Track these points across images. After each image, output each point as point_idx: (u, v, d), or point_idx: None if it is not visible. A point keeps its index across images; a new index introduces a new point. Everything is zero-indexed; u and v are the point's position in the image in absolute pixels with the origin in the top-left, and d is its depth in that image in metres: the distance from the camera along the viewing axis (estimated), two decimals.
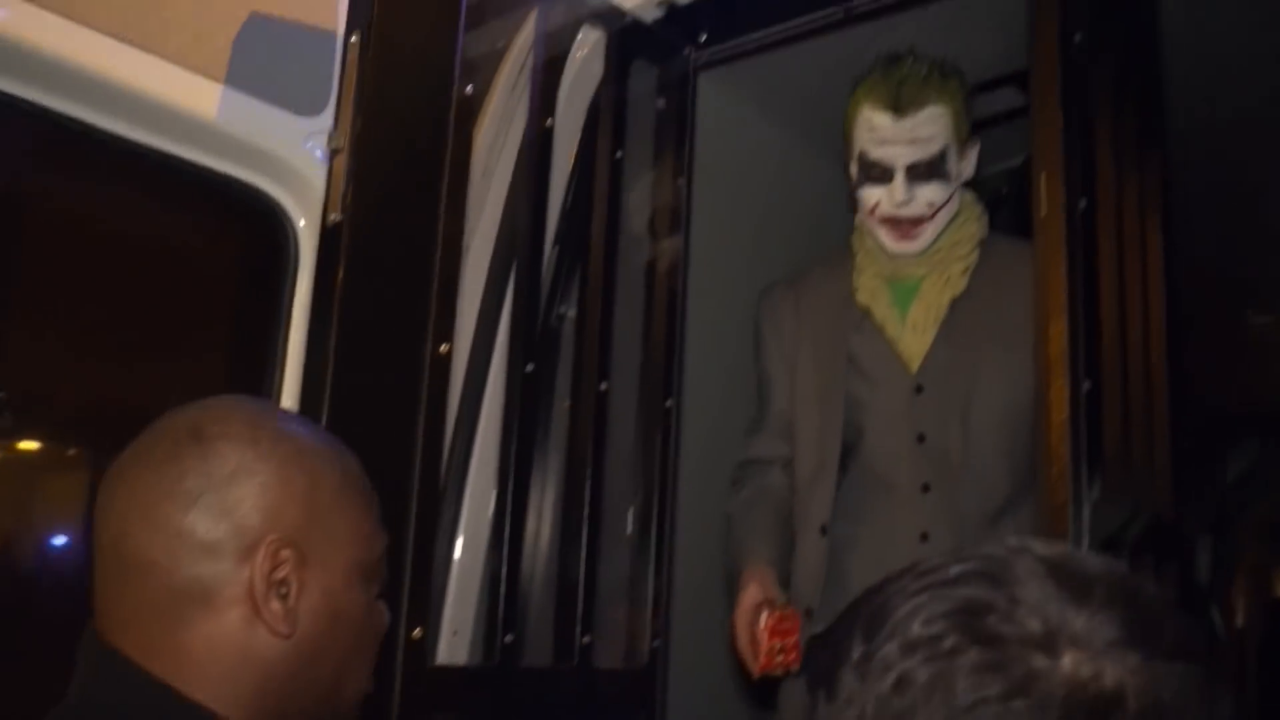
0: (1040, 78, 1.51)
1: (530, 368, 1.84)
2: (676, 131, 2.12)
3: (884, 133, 1.82)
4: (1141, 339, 1.57)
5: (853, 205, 1.97)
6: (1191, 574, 1.80)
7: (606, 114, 2.00)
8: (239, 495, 0.89)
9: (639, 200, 2.07)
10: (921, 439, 1.85)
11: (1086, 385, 1.41)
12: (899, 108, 1.81)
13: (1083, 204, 1.47)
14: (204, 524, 0.88)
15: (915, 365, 1.89)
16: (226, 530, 0.89)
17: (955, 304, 1.89)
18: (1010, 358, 1.82)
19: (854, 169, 1.90)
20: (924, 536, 1.82)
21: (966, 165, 1.90)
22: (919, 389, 1.89)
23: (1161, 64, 1.75)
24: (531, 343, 1.85)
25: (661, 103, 2.13)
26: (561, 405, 2.01)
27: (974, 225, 1.92)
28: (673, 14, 2.08)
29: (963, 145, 1.87)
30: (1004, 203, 3.03)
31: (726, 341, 2.42)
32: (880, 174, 1.85)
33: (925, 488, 1.84)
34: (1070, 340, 1.42)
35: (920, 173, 1.82)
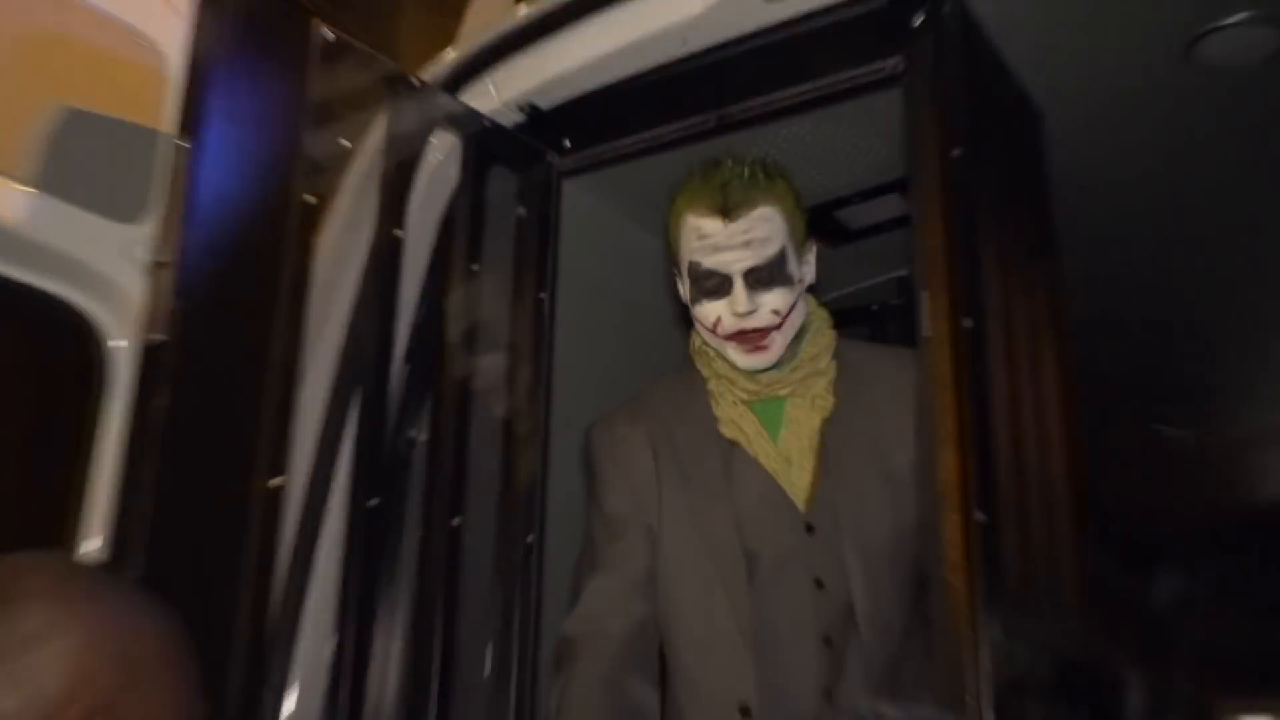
0: (921, 191, 1.53)
1: (374, 501, 1.80)
2: (539, 241, 2.12)
3: (715, 239, 1.78)
4: (1038, 463, 1.58)
5: (689, 323, 1.94)
6: (1118, 716, 1.78)
7: (462, 223, 1.97)
8: (39, 661, 0.83)
9: (497, 316, 2.05)
10: (820, 584, 1.80)
11: (980, 517, 1.39)
12: (726, 211, 1.77)
13: (968, 323, 1.47)
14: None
15: (803, 502, 1.83)
16: (21, 700, 0.80)
17: (827, 426, 1.85)
18: (892, 486, 1.80)
19: (687, 285, 1.86)
20: (827, 694, 1.76)
21: (807, 269, 1.87)
22: (809, 528, 1.82)
23: (1045, 173, 1.81)
24: (376, 473, 1.81)
25: (522, 211, 2.13)
26: (410, 541, 1.99)
27: (827, 334, 1.90)
28: (535, 119, 2.08)
29: (800, 247, 1.84)
30: (892, 314, 3.10)
31: None
32: (717, 285, 1.80)
33: (827, 640, 1.78)
34: (961, 470, 1.41)
35: (761, 278, 1.78)
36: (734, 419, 1.88)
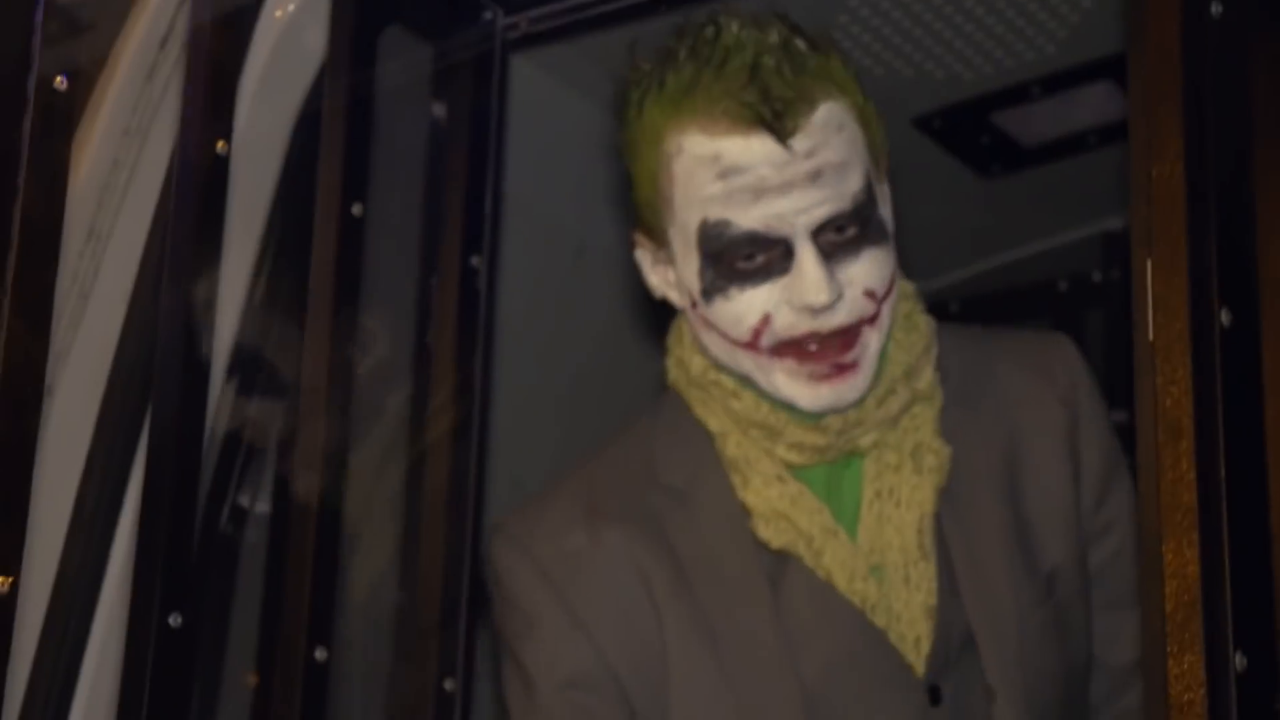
0: (1148, 81, 1.49)
1: (176, 618, 1.83)
2: (469, 163, 2.13)
3: (758, 171, 1.70)
4: None
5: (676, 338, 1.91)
6: None
7: (333, 131, 1.99)
8: None
9: (397, 296, 2.08)
10: None
11: (1240, 662, 1.38)
12: (776, 117, 1.69)
13: (1226, 319, 1.44)
14: None
15: (922, 654, 1.80)
16: None
17: (945, 501, 1.82)
18: (1048, 601, 1.81)
19: (692, 265, 1.77)
20: None
21: (888, 205, 1.82)
22: (934, 697, 1.80)
23: None
24: (179, 571, 1.85)
25: (441, 109, 2.15)
26: (239, 685, 2.09)
27: (920, 324, 1.86)
28: None
29: (881, 162, 1.81)
30: (1089, 296, 3.11)
31: None
32: (760, 264, 1.72)
33: None
34: (1204, 579, 1.38)
35: (845, 235, 1.72)
36: (782, 509, 1.82)
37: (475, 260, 2.10)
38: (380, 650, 2.06)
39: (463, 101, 2.15)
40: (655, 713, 1.84)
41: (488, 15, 2.16)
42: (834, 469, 1.82)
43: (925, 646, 1.78)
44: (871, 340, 1.74)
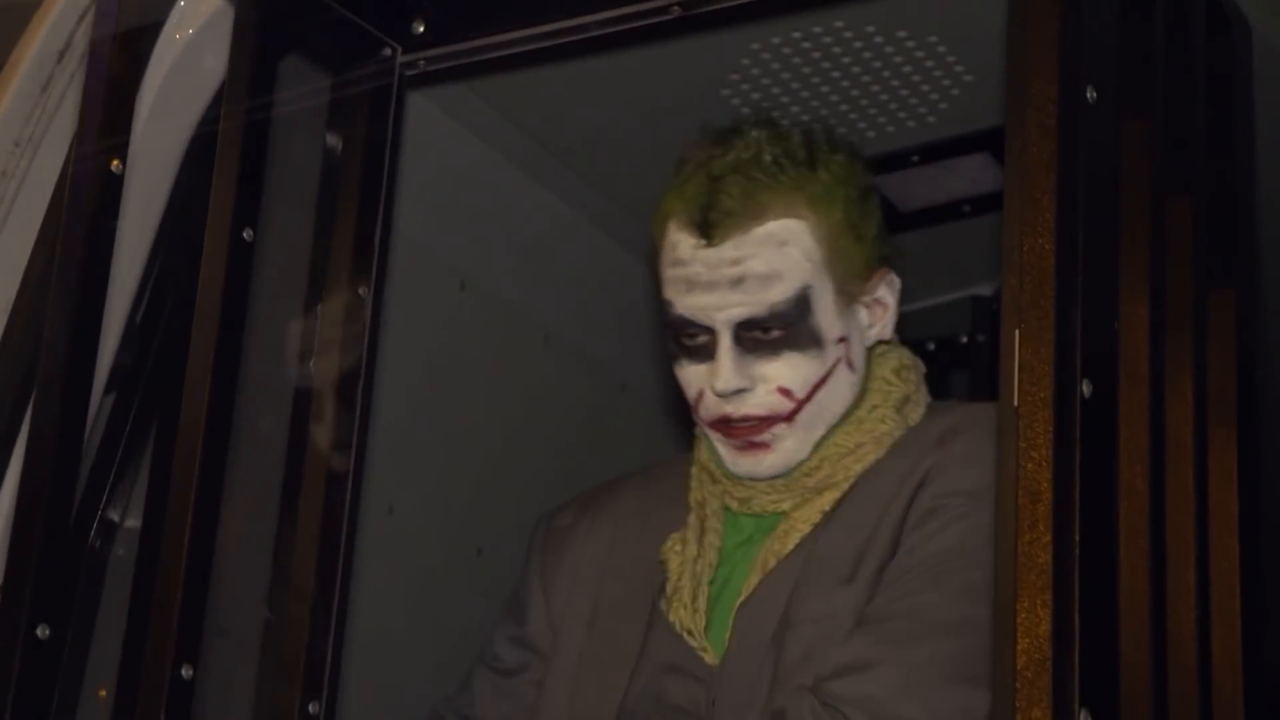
0: (1026, 156, 1.50)
1: (43, 631, 1.81)
2: (362, 192, 2.12)
3: (690, 268, 1.89)
4: (1195, 634, 1.59)
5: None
6: None
7: (228, 154, 1.97)
8: None
9: (284, 322, 2.08)
10: None
11: (1084, 717, 1.39)
12: (706, 226, 1.87)
13: (1087, 389, 1.46)
14: None
15: (717, 647, 1.91)
16: None
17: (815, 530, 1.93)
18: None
19: (668, 324, 1.97)
20: None
21: (875, 319, 1.96)
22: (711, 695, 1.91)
23: (1244, 131, 1.83)
24: (47, 583, 1.82)
25: (335, 139, 2.14)
26: (100, 702, 2.08)
27: (888, 420, 1.97)
28: None
29: (851, 279, 1.92)
30: (960, 358, 3.15)
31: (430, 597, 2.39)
32: (700, 344, 1.90)
33: None
34: (1056, 638, 1.38)
35: (761, 337, 1.87)
36: (687, 539, 2.00)
37: (362, 290, 2.08)
38: (244, 669, 2.03)
39: (358, 134, 2.13)
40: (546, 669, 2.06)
41: (386, 52, 2.14)
42: (763, 521, 1.96)
43: (718, 642, 1.92)
44: (785, 435, 1.91)
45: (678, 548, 1.99)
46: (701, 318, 1.88)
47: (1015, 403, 1.45)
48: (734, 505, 1.98)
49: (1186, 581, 1.62)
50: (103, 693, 2.10)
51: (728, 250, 1.86)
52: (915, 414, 2.00)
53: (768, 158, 1.89)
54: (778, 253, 1.86)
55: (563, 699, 2.00)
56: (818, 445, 1.93)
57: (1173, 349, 1.66)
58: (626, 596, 2.01)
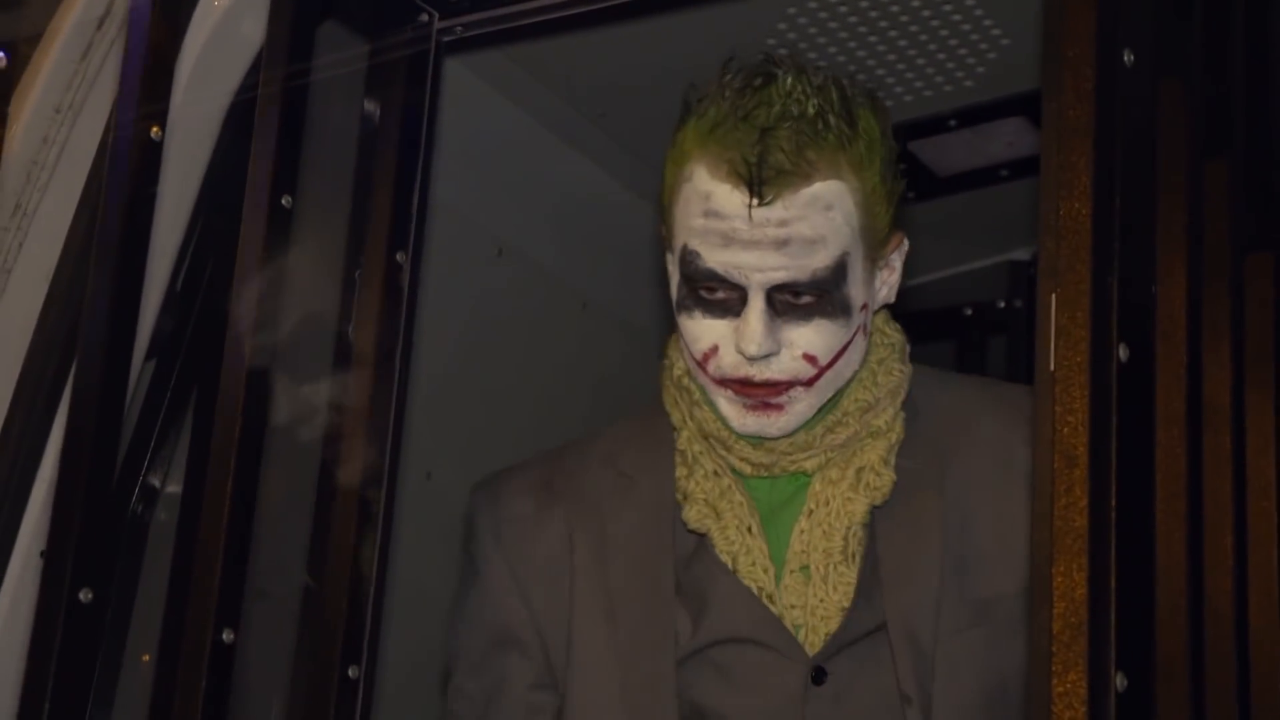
0: (1061, 120, 1.50)
1: (86, 594, 1.82)
2: (400, 159, 2.13)
3: (731, 223, 1.80)
4: (1233, 600, 1.58)
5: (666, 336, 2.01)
6: None
7: (266, 121, 1.98)
8: None
9: (321, 288, 2.08)
10: None
11: (1121, 682, 1.39)
12: (759, 182, 1.78)
13: (1124, 353, 1.45)
14: None
15: (817, 639, 1.88)
16: None
17: (876, 518, 1.91)
18: (986, 623, 1.86)
19: (675, 275, 1.90)
20: None
21: (884, 285, 1.94)
22: (817, 677, 1.87)
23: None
24: (91, 546, 1.83)
25: (372, 105, 2.14)
26: (144, 665, 2.11)
27: (894, 370, 1.96)
28: None
29: (877, 247, 1.89)
30: (996, 323, 3.13)
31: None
32: (721, 299, 1.84)
33: None
34: (1091, 601, 1.38)
35: (797, 302, 1.82)
36: (711, 499, 1.93)
37: (400, 256, 2.09)
38: (285, 635, 2.04)
39: (395, 100, 2.14)
40: (564, 675, 1.97)
41: (424, 18, 2.15)
42: (778, 483, 1.92)
43: (819, 637, 1.87)
44: (800, 398, 1.87)
45: (710, 519, 1.93)
46: (736, 276, 1.81)
47: (1052, 367, 1.45)
48: (747, 470, 1.93)
49: (1224, 546, 1.61)
50: (146, 657, 2.12)
51: (777, 210, 1.79)
52: (909, 363, 1.99)
53: (812, 110, 1.81)
54: (823, 217, 1.80)
55: (606, 697, 1.94)
56: (829, 405, 1.91)
57: (1210, 313, 1.65)
58: (641, 579, 1.96)
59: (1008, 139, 2.81)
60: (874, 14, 2.47)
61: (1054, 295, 1.47)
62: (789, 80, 1.83)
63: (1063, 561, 1.42)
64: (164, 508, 2.16)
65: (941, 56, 2.59)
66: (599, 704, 1.94)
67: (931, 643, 1.86)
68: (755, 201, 1.78)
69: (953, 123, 2.79)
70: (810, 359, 1.84)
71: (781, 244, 1.79)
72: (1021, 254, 3.16)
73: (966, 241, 3.14)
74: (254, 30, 2.06)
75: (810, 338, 1.84)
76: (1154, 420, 1.53)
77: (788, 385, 1.85)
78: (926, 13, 2.47)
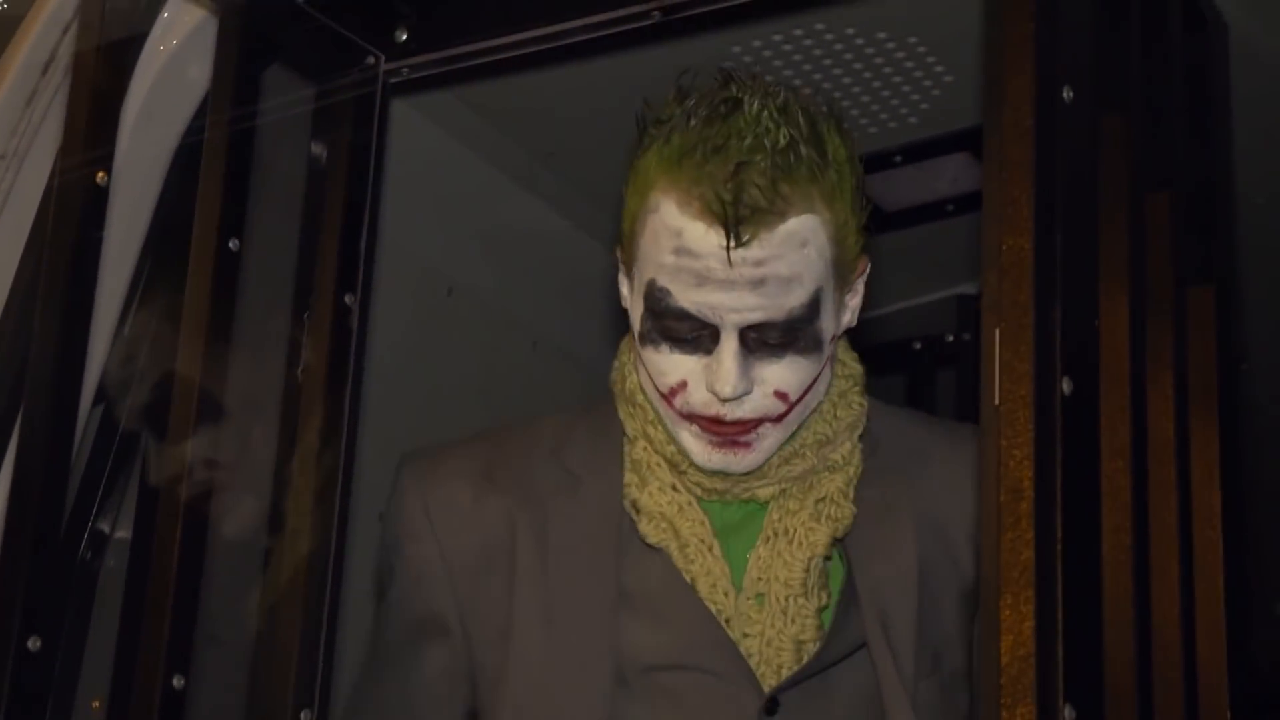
0: (1002, 157, 1.51)
1: (34, 642, 1.81)
2: (346, 202, 2.12)
3: (706, 263, 1.74)
4: (1178, 632, 1.59)
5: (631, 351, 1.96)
6: None
7: (213, 165, 1.97)
8: None
9: (269, 331, 2.06)
10: None
11: (1069, 715, 1.39)
12: (735, 222, 1.72)
13: (1067, 387, 1.46)
14: None
15: (769, 670, 1.86)
16: None
17: (854, 545, 1.91)
18: (944, 664, 1.87)
19: (638, 307, 1.84)
20: None
21: (848, 307, 1.91)
22: (770, 708, 1.85)
23: (1222, 135, 1.82)
24: (38, 594, 1.83)
25: (320, 148, 2.13)
26: (93, 713, 2.11)
27: (854, 403, 1.94)
28: None
29: (847, 277, 1.86)
30: (945, 357, 3.14)
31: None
32: (692, 336, 1.79)
33: None
34: (1039, 634, 1.39)
35: (772, 340, 1.78)
36: (668, 514, 1.90)
37: (349, 298, 2.08)
38: (235, 678, 2.00)
39: (342, 142, 2.13)
40: (496, 674, 1.93)
41: (370, 60, 2.14)
42: (730, 506, 1.91)
43: (784, 673, 1.85)
44: (769, 434, 1.84)
45: (669, 535, 1.90)
46: (710, 316, 1.76)
47: (997, 401, 1.45)
48: (699, 493, 1.90)
49: (1170, 576, 1.62)
50: (96, 704, 2.10)
51: (754, 250, 1.73)
52: (865, 396, 1.96)
53: (783, 141, 1.75)
54: (799, 254, 1.75)
55: (540, 705, 1.91)
56: (790, 436, 1.88)
57: (1153, 345, 1.66)
58: (583, 585, 1.91)
59: (953, 175, 2.83)
60: (818, 52, 2.48)
61: (997, 330, 1.47)
62: (755, 105, 1.77)
63: (1010, 594, 1.42)
64: (113, 554, 2.14)
65: (886, 94, 2.60)
66: (531, 711, 1.90)
67: (908, 685, 1.85)
68: (733, 244, 1.72)
69: (898, 159, 2.81)
70: (781, 396, 1.81)
71: (757, 284, 1.74)
72: (969, 288, 3.18)
73: (915, 276, 3.15)
74: (199, 74, 2.06)
75: (783, 375, 1.81)
76: (1099, 452, 1.54)
77: (757, 423, 1.82)
78: (870, 50, 2.49)
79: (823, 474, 1.90)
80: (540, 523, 1.95)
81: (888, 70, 2.54)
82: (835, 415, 1.92)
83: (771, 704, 1.85)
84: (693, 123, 1.77)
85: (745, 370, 1.78)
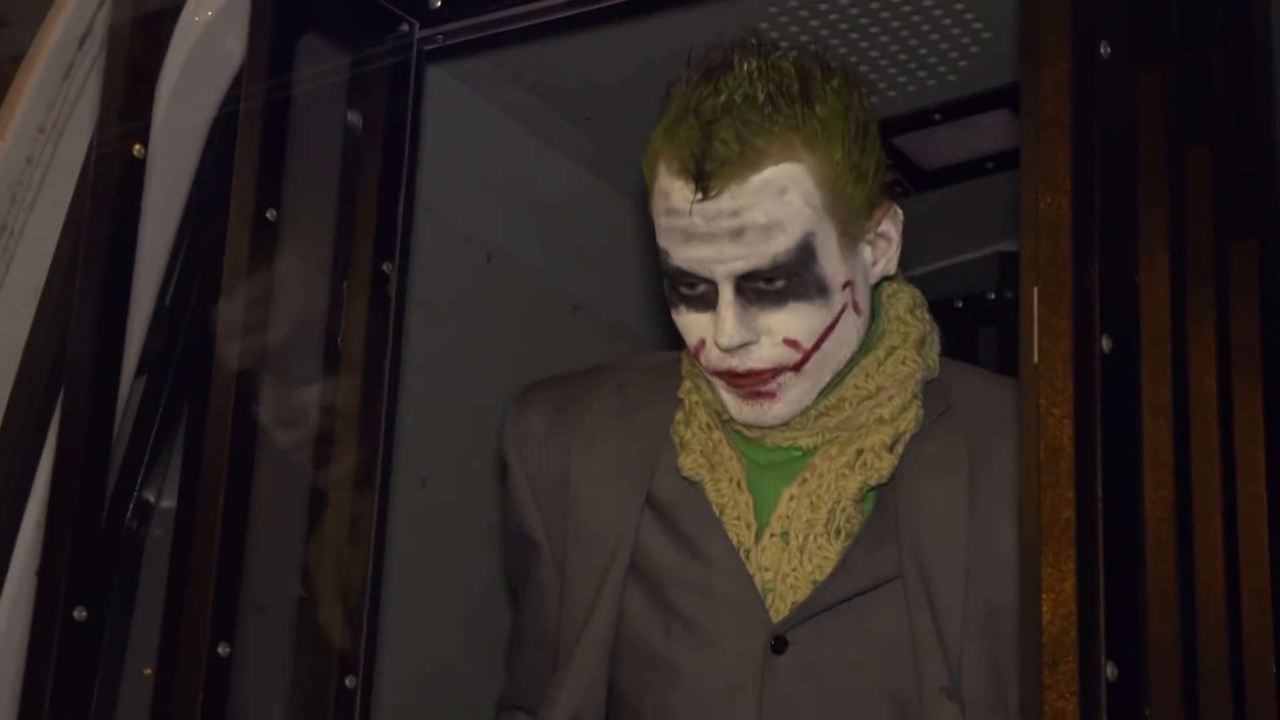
0: (1040, 113, 1.50)
1: (81, 612, 1.84)
2: (384, 169, 2.13)
3: (683, 219, 1.82)
4: (1224, 590, 1.57)
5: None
6: None
7: (249, 135, 1.98)
8: None
9: (308, 300, 2.07)
10: None
11: (1112, 672, 1.40)
12: (700, 176, 1.79)
13: (1106, 344, 1.46)
14: None
15: (783, 606, 1.88)
16: None
17: (881, 499, 1.91)
18: (994, 620, 1.86)
19: (665, 272, 1.91)
20: None
21: (881, 255, 1.92)
22: (778, 646, 1.88)
23: (1270, 89, 1.80)
24: (85, 564, 1.85)
25: (356, 116, 2.14)
26: (143, 681, 2.09)
27: (909, 358, 1.94)
28: None
29: (855, 219, 1.87)
30: (987, 314, 3.14)
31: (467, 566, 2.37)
32: (700, 293, 1.85)
33: None
34: (1080, 593, 1.39)
35: (765, 289, 1.82)
36: (705, 450, 1.94)
37: (387, 266, 2.10)
38: (281, 646, 2.03)
39: (378, 110, 2.14)
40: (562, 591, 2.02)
41: (404, 27, 2.15)
42: (775, 454, 1.93)
43: (786, 603, 1.87)
44: (792, 384, 1.87)
45: (704, 469, 1.94)
46: (701, 270, 1.82)
47: (1035, 360, 1.46)
48: (744, 435, 1.94)
49: (1213, 533, 1.60)
50: (148, 671, 2.12)
51: (725, 201, 1.78)
52: (933, 356, 1.96)
53: (760, 96, 1.80)
54: (777, 201, 1.79)
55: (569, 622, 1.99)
56: (829, 388, 1.90)
57: (1195, 302, 1.64)
58: (611, 497, 1.99)
59: (992, 132, 2.81)
60: (855, 10, 2.47)
61: (1035, 289, 1.48)
62: (744, 66, 1.82)
63: (1051, 554, 1.42)
64: (158, 523, 2.15)
65: (923, 51, 2.59)
66: (569, 621, 1.98)
67: (957, 631, 1.85)
68: (700, 196, 1.78)
69: (937, 116, 2.79)
70: (792, 343, 1.84)
71: (736, 234, 1.79)
72: (1010, 245, 3.15)
73: (955, 234, 3.14)
74: (235, 45, 2.06)
75: (788, 322, 1.83)
76: (1139, 410, 1.53)
77: (773, 372, 1.85)
78: (907, 8, 2.47)
79: (871, 426, 1.90)
80: (587, 447, 2.02)
81: (926, 28, 2.52)
82: (881, 370, 1.92)
83: (779, 642, 1.87)
84: (685, 89, 1.84)
85: (746, 320, 1.82)
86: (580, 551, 1.99)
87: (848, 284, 1.86)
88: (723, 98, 1.80)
